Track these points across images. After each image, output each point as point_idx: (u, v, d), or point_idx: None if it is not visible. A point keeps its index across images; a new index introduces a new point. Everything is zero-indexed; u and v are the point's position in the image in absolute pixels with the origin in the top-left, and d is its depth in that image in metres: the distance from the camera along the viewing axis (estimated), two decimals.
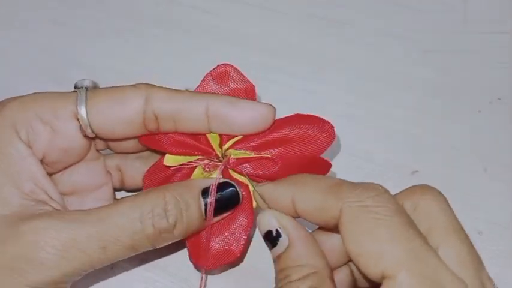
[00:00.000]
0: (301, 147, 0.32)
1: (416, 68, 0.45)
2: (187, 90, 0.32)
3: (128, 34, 0.48)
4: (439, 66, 0.45)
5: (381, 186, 0.28)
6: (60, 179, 0.33)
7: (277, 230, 0.28)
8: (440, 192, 0.29)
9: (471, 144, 0.41)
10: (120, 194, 0.37)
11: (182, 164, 0.33)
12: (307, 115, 0.33)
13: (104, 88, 0.32)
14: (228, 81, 0.34)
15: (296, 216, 0.29)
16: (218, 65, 0.34)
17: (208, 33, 0.47)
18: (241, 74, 0.34)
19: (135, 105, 0.31)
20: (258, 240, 0.37)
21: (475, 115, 0.43)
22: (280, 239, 0.28)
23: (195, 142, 0.32)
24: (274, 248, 0.28)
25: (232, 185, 0.31)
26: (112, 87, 0.32)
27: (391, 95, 0.44)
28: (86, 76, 0.45)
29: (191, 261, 0.33)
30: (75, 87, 0.33)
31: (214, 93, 0.33)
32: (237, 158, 0.32)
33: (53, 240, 0.27)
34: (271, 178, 0.32)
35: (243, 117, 0.31)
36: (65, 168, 0.33)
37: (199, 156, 0.33)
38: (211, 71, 0.34)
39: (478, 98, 0.43)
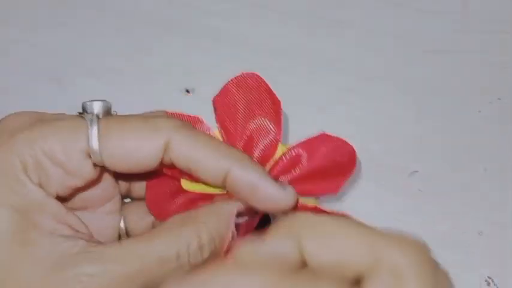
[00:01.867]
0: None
1: (416, 68, 0.45)
2: (214, 140, 0.30)
3: (128, 34, 0.48)
4: (439, 66, 0.45)
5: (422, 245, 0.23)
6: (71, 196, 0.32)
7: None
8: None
9: (471, 144, 0.41)
10: None
11: (203, 194, 0.31)
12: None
13: (118, 120, 0.29)
14: (252, 93, 0.32)
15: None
16: (243, 73, 0.32)
17: (208, 33, 0.47)
18: (266, 84, 0.32)
19: (153, 151, 0.28)
20: None
21: (475, 115, 0.43)
22: None
23: None
24: None
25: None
26: (128, 118, 0.29)
27: (391, 95, 0.44)
28: (84, 76, 0.45)
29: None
30: (84, 109, 0.30)
31: (242, 154, 0.30)
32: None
33: (97, 284, 0.27)
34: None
35: (260, 201, 0.29)
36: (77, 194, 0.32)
37: (221, 192, 0.31)
38: (234, 78, 0.32)
39: (478, 98, 0.43)
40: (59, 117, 0.30)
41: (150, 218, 0.33)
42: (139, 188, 0.34)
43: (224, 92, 0.32)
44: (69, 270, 0.27)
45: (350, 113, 0.43)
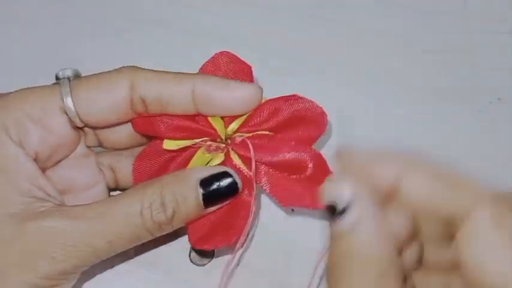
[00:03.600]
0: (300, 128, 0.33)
1: (416, 68, 0.45)
2: (174, 72, 0.32)
3: (128, 34, 0.48)
4: (439, 66, 0.45)
5: None
6: (52, 177, 0.33)
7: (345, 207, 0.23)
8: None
9: (471, 144, 0.41)
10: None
11: (185, 147, 0.33)
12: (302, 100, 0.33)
13: (88, 76, 0.32)
14: (224, 64, 0.34)
15: (385, 201, 0.24)
16: (215, 54, 0.34)
17: (208, 33, 0.47)
18: (237, 57, 0.34)
19: (121, 90, 0.31)
20: (258, 241, 0.37)
21: (475, 115, 0.43)
22: (347, 216, 0.23)
23: (196, 125, 0.32)
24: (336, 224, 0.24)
25: (231, 175, 0.31)
26: (95, 74, 0.32)
27: (391, 95, 0.44)
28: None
29: (190, 243, 0.33)
30: (57, 78, 0.33)
31: (201, 74, 0.33)
32: (242, 139, 0.32)
33: (60, 237, 0.28)
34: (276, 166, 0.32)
35: (229, 98, 0.31)
36: (56, 163, 0.33)
37: (202, 138, 0.32)
38: (208, 60, 0.34)
39: (478, 98, 0.43)
40: (34, 86, 0.32)
41: None
42: (126, 177, 0.35)
43: (203, 71, 0.34)
44: (35, 222, 0.28)
45: (350, 113, 0.43)
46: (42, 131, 0.31)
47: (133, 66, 0.32)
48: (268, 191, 0.33)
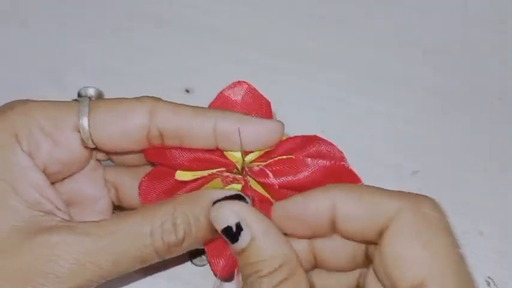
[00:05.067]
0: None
1: (416, 68, 0.45)
2: (194, 106, 0.31)
3: (128, 34, 0.48)
4: (439, 66, 0.45)
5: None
6: (59, 188, 0.33)
7: (237, 225, 0.27)
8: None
9: (471, 144, 0.41)
10: None
11: (198, 178, 0.32)
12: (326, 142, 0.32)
13: (108, 99, 0.31)
14: (241, 96, 0.33)
15: (328, 232, 0.28)
16: (233, 83, 0.33)
17: (208, 33, 0.47)
18: (256, 90, 0.33)
19: (139, 120, 0.30)
20: None
21: (475, 115, 0.43)
22: (242, 233, 0.27)
23: (210, 156, 0.31)
24: (236, 244, 0.27)
25: (244, 198, 0.30)
26: (116, 98, 0.31)
27: (391, 95, 0.44)
28: (84, 76, 0.45)
29: (214, 273, 0.32)
30: (79, 95, 0.32)
31: (222, 109, 0.32)
32: (260, 168, 0.31)
33: (66, 254, 0.27)
34: (298, 187, 0.30)
35: (251, 134, 0.30)
36: (65, 178, 0.33)
37: (218, 169, 0.31)
38: (225, 88, 0.33)
39: (478, 98, 0.43)
40: (53, 100, 0.31)
41: None
42: (129, 196, 0.34)
43: (218, 99, 0.33)
44: (41, 236, 0.27)
45: (350, 113, 0.43)
46: (53, 145, 0.30)
47: (154, 97, 0.31)
48: None
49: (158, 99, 0.31)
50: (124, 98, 0.31)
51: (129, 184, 0.34)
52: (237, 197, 0.29)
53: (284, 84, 0.44)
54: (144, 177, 0.33)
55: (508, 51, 0.45)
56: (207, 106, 0.33)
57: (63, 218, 0.29)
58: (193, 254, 0.37)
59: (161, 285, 0.36)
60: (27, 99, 0.31)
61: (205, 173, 0.31)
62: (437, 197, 0.39)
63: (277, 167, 0.31)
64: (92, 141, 0.30)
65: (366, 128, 0.42)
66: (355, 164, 0.40)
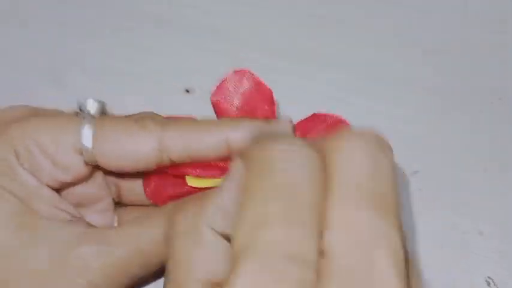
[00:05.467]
0: None
1: (416, 68, 0.45)
2: (200, 123, 0.30)
3: (128, 34, 0.48)
4: (439, 66, 0.45)
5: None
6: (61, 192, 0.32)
7: None
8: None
9: (471, 144, 0.41)
10: None
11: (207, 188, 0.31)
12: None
13: (111, 120, 0.30)
14: (242, 85, 0.33)
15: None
16: (235, 71, 0.33)
17: (208, 33, 0.47)
18: (258, 78, 0.33)
19: (148, 151, 0.29)
20: None
21: (475, 115, 0.43)
22: None
23: (220, 163, 0.31)
24: None
25: None
26: (120, 119, 0.30)
27: (391, 95, 0.44)
28: (84, 76, 0.45)
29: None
30: (79, 108, 0.31)
31: (230, 120, 0.31)
32: None
33: (98, 263, 0.28)
34: None
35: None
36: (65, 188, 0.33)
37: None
38: (227, 76, 0.33)
39: (478, 98, 0.43)
40: (54, 113, 0.31)
41: None
42: (128, 192, 0.34)
43: (220, 89, 0.32)
44: (72, 250, 0.28)
45: (350, 113, 0.43)
46: (53, 167, 0.29)
47: (158, 120, 0.30)
48: None
49: (163, 124, 0.30)
50: (128, 121, 0.30)
51: (131, 181, 0.34)
52: None
53: (284, 84, 0.44)
54: (151, 176, 0.33)
55: (508, 51, 0.45)
56: (207, 105, 0.32)
57: (83, 222, 0.30)
58: None
59: (160, 284, 0.36)
60: (31, 110, 0.30)
61: (216, 182, 0.31)
62: (437, 197, 0.39)
63: None
64: (95, 161, 0.30)
65: (365, 128, 0.42)
66: None
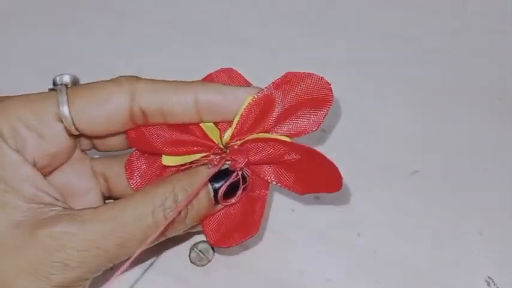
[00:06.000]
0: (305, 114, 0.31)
1: (416, 68, 0.45)
2: (173, 81, 0.31)
3: (128, 34, 0.48)
4: (439, 66, 0.45)
5: None
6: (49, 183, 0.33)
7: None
8: None
9: (471, 144, 0.41)
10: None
11: (184, 165, 0.32)
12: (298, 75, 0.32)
13: (85, 85, 0.31)
14: (223, 81, 0.33)
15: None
16: (221, 69, 0.34)
17: (208, 33, 0.47)
18: (242, 76, 0.34)
19: (120, 102, 0.30)
20: (259, 243, 0.37)
21: (475, 115, 0.43)
22: None
23: (192, 137, 0.32)
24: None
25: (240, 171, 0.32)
26: (93, 83, 0.31)
27: (391, 94, 0.44)
28: (84, 76, 0.45)
29: (209, 243, 0.33)
30: (54, 83, 0.32)
31: (202, 81, 0.32)
32: (241, 145, 0.32)
33: (72, 242, 0.28)
34: (277, 161, 0.32)
35: (232, 102, 0.31)
36: (53, 170, 0.33)
37: (201, 154, 0.32)
38: (211, 73, 0.34)
39: (478, 98, 0.43)
40: (31, 93, 0.31)
41: None
42: (116, 184, 0.35)
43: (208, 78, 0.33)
44: (45, 229, 0.28)
45: (350, 113, 0.43)
46: (39, 139, 0.30)
47: (133, 76, 0.31)
48: (280, 185, 0.33)
49: (137, 78, 0.31)
50: (101, 82, 0.31)
51: (119, 173, 0.34)
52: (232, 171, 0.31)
53: None
54: (131, 157, 0.34)
55: (508, 51, 0.45)
56: None
57: (63, 207, 0.29)
58: (195, 252, 0.37)
59: (160, 284, 0.36)
60: (5, 96, 0.31)
61: (191, 157, 0.32)
62: (437, 197, 0.39)
63: (254, 144, 0.32)
64: (76, 128, 0.30)
65: (366, 128, 0.42)
66: (355, 164, 0.41)
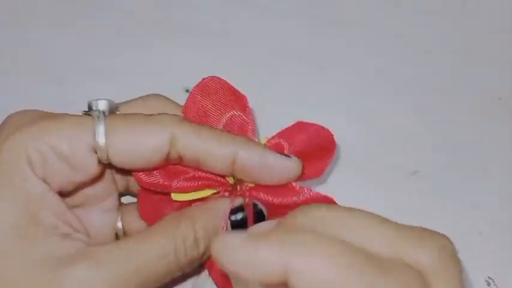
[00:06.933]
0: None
1: (416, 68, 0.45)
2: (216, 130, 0.30)
3: (128, 34, 0.48)
4: (439, 66, 0.45)
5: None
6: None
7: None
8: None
9: (471, 144, 0.41)
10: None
11: (195, 200, 0.32)
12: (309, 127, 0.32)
13: (123, 116, 0.30)
14: (214, 92, 0.33)
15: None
16: (204, 79, 0.33)
17: (208, 33, 0.47)
18: (231, 85, 0.33)
19: (159, 144, 0.29)
20: None
21: (475, 115, 0.43)
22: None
23: (203, 174, 0.31)
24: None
25: (257, 206, 0.31)
26: (132, 115, 0.30)
27: (391, 95, 0.44)
28: (84, 76, 0.45)
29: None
30: (89, 107, 0.30)
31: (244, 139, 0.31)
32: (253, 186, 0.31)
33: (98, 285, 0.27)
34: (288, 207, 0.31)
35: (272, 175, 0.30)
36: (77, 191, 0.32)
37: (213, 190, 0.32)
38: (198, 84, 0.33)
39: (478, 98, 0.43)
40: (65, 115, 0.30)
41: None
42: (136, 184, 0.33)
43: (191, 99, 0.33)
44: (66, 269, 0.27)
45: (350, 113, 0.43)
46: (68, 168, 0.29)
47: (175, 116, 0.30)
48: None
49: (178, 121, 0.30)
50: (142, 116, 0.30)
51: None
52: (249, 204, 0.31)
53: (284, 84, 0.44)
54: (139, 199, 0.33)
55: (508, 51, 0.45)
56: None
57: (81, 240, 0.28)
58: None
59: None
60: (36, 115, 0.30)
61: (200, 194, 0.31)
62: (437, 197, 0.39)
63: (267, 189, 0.31)
64: (108, 159, 0.29)
65: (366, 128, 0.42)
66: (354, 164, 0.41)
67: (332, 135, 0.32)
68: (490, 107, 0.43)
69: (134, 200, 0.36)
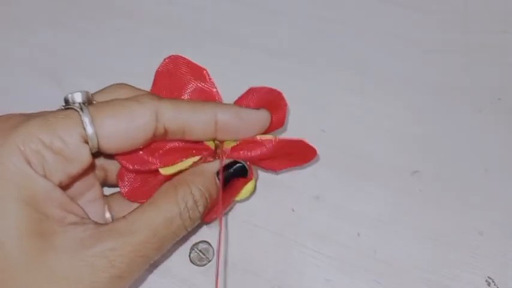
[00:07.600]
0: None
1: (416, 68, 0.45)
2: (191, 101, 0.33)
3: (128, 34, 0.48)
4: (439, 66, 0.45)
5: None
6: None
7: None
8: None
9: (471, 144, 0.41)
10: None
11: (182, 171, 0.34)
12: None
13: (106, 103, 0.31)
14: (180, 72, 0.35)
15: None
16: (164, 59, 0.36)
17: (208, 33, 0.47)
18: (190, 60, 0.36)
19: (145, 121, 0.31)
20: (259, 243, 0.37)
21: (475, 115, 0.43)
22: None
23: (187, 144, 0.33)
24: None
25: (239, 162, 0.35)
26: (113, 101, 0.31)
27: (391, 95, 0.44)
28: (84, 76, 0.45)
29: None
30: (66, 101, 0.31)
31: (219, 103, 0.35)
32: (231, 147, 0.35)
33: (120, 257, 0.30)
34: (264, 158, 0.35)
35: (248, 127, 0.34)
36: (72, 184, 0.33)
37: (195, 157, 0.34)
38: (159, 65, 0.36)
39: (478, 98, 0.43)
40: (48, 112, 0.31)
41: (134, 205, 0.34)
42: (113, 174, 0.36)
43: (156, 80, 0.36)
44: (93, 249, 0.29)
45: (350, 113, 0.43)
46: (65, 162, 0.30)
47: (154, 95, 0.32)
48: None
49: (158, 98, 0.32)
50: (122, 100, 0.31)
51: (117, 164, 0.35)
52: (233, 162, 0.35)
53: (284, 84, 0.44)
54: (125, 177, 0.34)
55: (508, 51, 0.45)
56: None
57: (93, 224, 0.31)
58: (195, 252, 0.37)
59: (160, 284, 0.36)
60: (25, 116, 0.30)
61: (185, 164, 0.34)
62: (437, 197, 0.39)
63: (243, 146, 0.35)
64: (99, 147, 0.30)
65: (366, 128, 0.42)
66: (355, 164, 0.41)
67: (281, 92, 0.36)
68: (490, 107, 0.43)
69: (112, 190, 0.37)
